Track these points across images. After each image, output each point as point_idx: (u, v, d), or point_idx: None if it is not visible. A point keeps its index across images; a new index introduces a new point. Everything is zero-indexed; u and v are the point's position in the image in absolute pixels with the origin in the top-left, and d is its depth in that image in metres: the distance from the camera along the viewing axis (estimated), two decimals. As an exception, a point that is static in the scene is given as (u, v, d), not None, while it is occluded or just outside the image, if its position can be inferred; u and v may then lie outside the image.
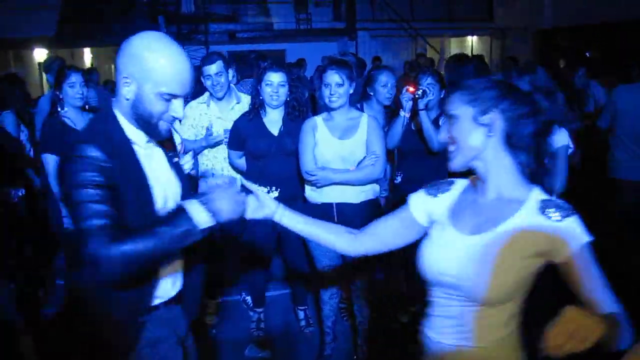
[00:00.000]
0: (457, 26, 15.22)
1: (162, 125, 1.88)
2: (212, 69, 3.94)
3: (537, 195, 1.65)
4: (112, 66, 18.73)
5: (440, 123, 3.70)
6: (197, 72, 4.00)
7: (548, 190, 1.84)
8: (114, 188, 1.73)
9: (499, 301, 1.61)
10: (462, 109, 1.70)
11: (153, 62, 1.80)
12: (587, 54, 10.00)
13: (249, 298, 4.27)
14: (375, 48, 13.73)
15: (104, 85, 11.53)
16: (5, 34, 12.81)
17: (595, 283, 1.57)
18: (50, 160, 3.85)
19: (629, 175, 4.74)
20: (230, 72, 4.07)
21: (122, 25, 13.46)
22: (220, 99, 4.05)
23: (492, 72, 9.39)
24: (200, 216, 1.72)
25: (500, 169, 1.68)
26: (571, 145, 3.27)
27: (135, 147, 1.88)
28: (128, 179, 1.79)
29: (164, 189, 1.95)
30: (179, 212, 1.72)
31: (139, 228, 1.70)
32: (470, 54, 15.47)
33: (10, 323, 3.87)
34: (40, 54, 14.81)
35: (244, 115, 3.81)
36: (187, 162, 2.43)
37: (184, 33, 13.04)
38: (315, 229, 2.08)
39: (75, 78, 3.81)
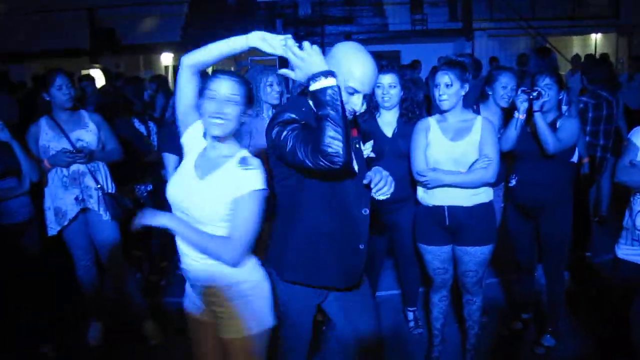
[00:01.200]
0: (580, 24, 14.50)
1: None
2: None
3: None
4: (232, 68, 19.54)
5: (557, 126, 3.59)
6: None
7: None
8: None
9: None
10: None
11: (347, 62, 2.27)
12: None
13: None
14: (493, 48, 13.39)
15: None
16: (137, 40, 13.73)
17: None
18: (170, 160, 4.13)
19: None
20: None
21: (241, 29, 14.00)
22: None
23: (617, 72, 8.93)
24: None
25: None
26: None
27: None
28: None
29: None
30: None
31: None
32: (594, 53, 14.81)
33: (136, 309, 4.17)
34: (166, 58, 15.71)
35: (359, 116, 3.88)
36: (366, 149, 2.70)
37: (300, 35, 13.36)
38: None
39: (61, 81, 3.80)
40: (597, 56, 12.72)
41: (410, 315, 4.25)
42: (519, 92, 3.58)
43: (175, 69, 12.45)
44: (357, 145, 2.47)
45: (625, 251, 3.14)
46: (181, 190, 2.33)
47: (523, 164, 3.71)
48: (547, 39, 13.97)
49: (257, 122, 4.09)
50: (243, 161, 2.25)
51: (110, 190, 3.98)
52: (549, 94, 3.54)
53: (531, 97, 3.50)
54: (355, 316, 2.63)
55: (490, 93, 4.00)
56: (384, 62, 3.92)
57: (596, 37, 15.75)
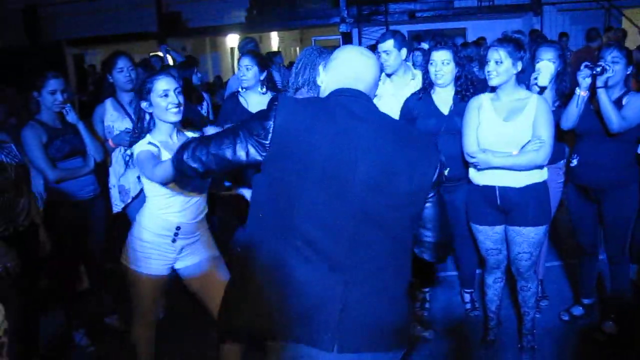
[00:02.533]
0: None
1: None
2: (383, 46, 4.08)
3: None
4: (297, 48, 19.63)
5: (623, 103, 3.42)
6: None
7: None
8: None
9: None
10: None
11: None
12: None
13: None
14: (563, 23, 12.87)
15: (287, 67, 12.12)
16: (202, 23, 13.97)
17: None
18: None
19: None
20: (404, 50, 4.10)
21: (306, 9, 14.04)
22: (389, 75, 4.12)
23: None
24: None
25: None
26: None
27: None
28: None
29: None
30: None
31: None
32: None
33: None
34: (232, 39, 15.93)
35: (414, 94, 3.84)
36: None
37: (364, 14, 13.25)
38: None
39: (122, 63, 3.94)
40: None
41: (467, 297, 4.20)
42: (582, 67, 3.41)
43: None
44: None
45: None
46: None
47: (585, 143, 3.57)
48: (623, 12, 13.31)
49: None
50: None
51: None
52: (613, 70, 3.37)
53: (595, 72, 3.34)
54: None
55: None
56: (438, 39, 3.86)
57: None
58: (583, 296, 4.00)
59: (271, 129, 1.83)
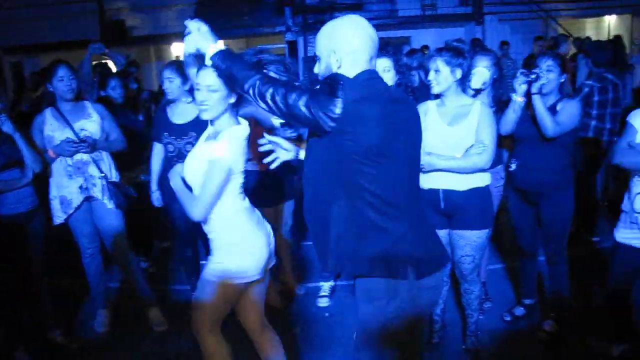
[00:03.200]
0: (594, 5, 14.27)
1: None
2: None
3: None
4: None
5: (558, 109, 3.55)
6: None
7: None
8: None
9: None
10: None
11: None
12: None
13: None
14: (504, 32, 13.24)
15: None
16: (147, 31, 13.80)
17: None
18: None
19: None
20: None
21: (251, 18, 14.03)
22: None
23: (631, 54, 8.81)
24: None
25: None
26: None
27: None
28: None
29: None
30: None
31: None
32: (607, 36, 14.60)
33: (141, 296, 4.24)
34: (177, 48, 15.76)
35: None
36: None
37: (310, 23, 13.32)
38: None
39: (63, 72, 3.84)
40: (611, 38, 12.57)
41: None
42: (518, 74, 3.54)
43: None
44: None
45: (624, 234, 3.13)
46: None
47: (523, 147, 3.69)
48: (559, 22, 13.81)
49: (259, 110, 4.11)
50: None
51: (114, 179, 4.05)
52: (548, 77, 3.50)
53: (529, 79, 3.47)
54: None
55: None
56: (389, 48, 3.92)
57: (610, 19, 15.52)
58: (524, 297, 4.12)
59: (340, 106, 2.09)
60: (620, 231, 3.16)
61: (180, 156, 3.87)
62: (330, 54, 2.23)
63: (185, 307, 4.44)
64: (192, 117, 4.01)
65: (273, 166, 2.71)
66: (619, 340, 3.45)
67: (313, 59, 2.43)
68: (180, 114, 4.10)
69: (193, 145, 3.62)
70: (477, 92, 3.79)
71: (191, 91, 3.90)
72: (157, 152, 4.26)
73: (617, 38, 10.88)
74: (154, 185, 4.35)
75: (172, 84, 4.04)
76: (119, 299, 4.42)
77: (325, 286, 4.51)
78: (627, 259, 3.18)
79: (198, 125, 3.72)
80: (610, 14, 15.25)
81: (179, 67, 3.98)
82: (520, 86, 3.49)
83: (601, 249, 5.17)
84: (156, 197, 4.38)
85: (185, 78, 3.95)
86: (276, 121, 4.17)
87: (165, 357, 3.88)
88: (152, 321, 4.20)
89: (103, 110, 4.11)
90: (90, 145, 3.88)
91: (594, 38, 12.20)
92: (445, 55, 3.21)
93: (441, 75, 3.22)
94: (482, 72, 3.76)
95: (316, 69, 2.35)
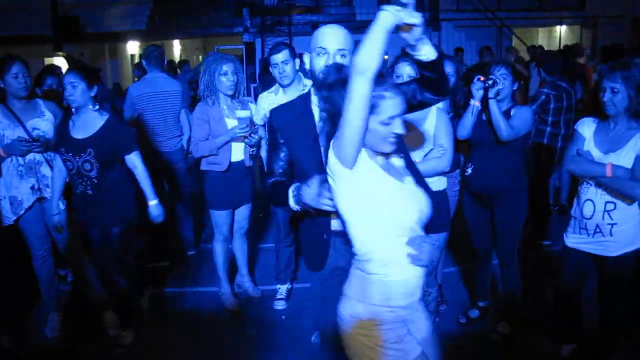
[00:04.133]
0: (546, 15, 14.68)
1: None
2: (279, 57, 4.06)
3: None
4: (200, 56, 19.38)
5: (511, 114, 3.64)
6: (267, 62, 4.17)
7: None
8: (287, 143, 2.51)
9: None
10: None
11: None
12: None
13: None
14: (459, 39, 13.48)
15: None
16: (102, 29, 13.51)
17: None
18: None
19: None
20: (297, 61, 4.13)
21: (209, 18, 13.90)
22: (286, 87, 4.14)
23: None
24: (292, 203, 2.34)
25: None
26: None
27: (314, 111, 2.47)
28: (300, 135, 2.47)
29: None
30: (282, 188, 2.40)
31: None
32: (558, 45, 15.01)
33: (95, 298, 4.15)
34: (132, 47, 15.50)
35: None
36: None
37: (267, 24, 13.29)
38: None
39: (17, 69, 3.73)
40: (561, 47, 12.93)
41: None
42: (475, 80, 3.63)
43: (141, 57, 12.27)
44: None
45: (573, 239, 3.21)
46: None
47: (478, 151, 3.76)
48: (513, 30, 14.13)
49: (214, 111, 4.08)
50: None
51: (66, 180, 3.91)
52: (503, 83, 3.60)
53: (487, 85, 3.55)
54: None
55: None
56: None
57: (561, 29, 15.97)
58: (478, 299, 4.18)
59: None
60: (570, 236, 3.24)
61: (80, 175, 3.58)
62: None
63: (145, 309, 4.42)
64: (93, 131, 3.59)
65: None
66: (569, 341, 3.54)
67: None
68: (83, 126, 3.61)
69: (91, 163, 3.52)
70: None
71: (96, 97, 3.66)
72: (59, 168, 3.76)
73: (567, 48, 11.20)
74: (54, 207, 3.79)
75: (75, 90, 3.54)
76: (71, 302, 4.30)
77: (282, 289, 4.49)
78: (576, 263, 3.26)
79: (96, 141, 3.54)
80: (560, 24, 15.71)
81: (82, 71, 3.62)
82: (478, 91, 3.57)
83: (552, 253, 5.29)
84: (57, 220, 3.84)
85: (90, 83, 3.59)
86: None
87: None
88: (107, 324, 4.10)
89: (56, 108, 4.02)
90: (44, 144, 3.78)
91: (545, 47, 12.53)
92: (412, 62, 3.25)
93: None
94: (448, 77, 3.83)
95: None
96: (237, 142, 4.09)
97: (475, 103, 3.61)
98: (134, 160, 3.72)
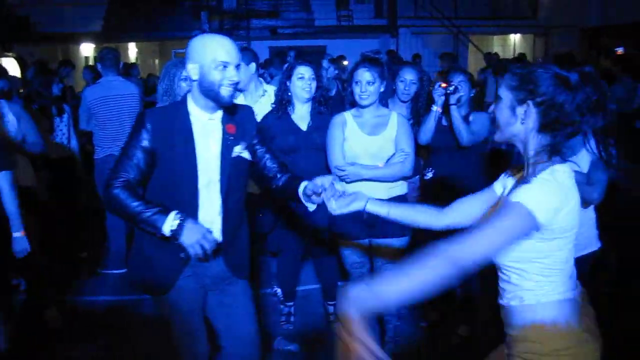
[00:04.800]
0: (500, 24, 15.02)
1: (224, 91, 2.36)
2: None
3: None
4: (157, 60, 19.11)
5: (470, 119, 3.71)
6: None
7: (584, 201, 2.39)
8: (154, 150, 2.35)
9: None
10: (505, 93, 1.83)
11: (207, 44, 2.36)
12: (620, 49, 9.73)
13: (279, 291, 4.31)
14: (417, 45, 13.64)
15: (145, 78, 11.77)
16: (54, 29, 13.17)
17: None
18: None
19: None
20: (253, 65, 4.08)
21: (166, 21, 13.73)
22: (241, 91, 4.10)
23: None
24: (166, 228, 2.24)
25: (533, 150, 1.83)
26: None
27: (193, 120, 2.43)
28: (173, 143, 2.38)
29: (208, 158, 2.45)
30: (162, 211, 2.26)
31: (137, 199, 2.27)
32: (512, 52, 15.35)
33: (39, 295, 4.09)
34: (87, 49, 15.17)
35: (271, 113, 3.84)
36: (241, 152, 2.58)
37: (226, 28, 13.21)
38: (401, 211, 2.30)
39: None
40: (515, 55, 13.21)
41: (331, 309, 4.26)
42: (437, 87, 3.68)
43: (96, 60, 12.02)
44: (228, 143, 2.50)
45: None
46: None
47: (438, 157, 3.81)
48: (469, 37, 14.37)
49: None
50: None
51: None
52: (463, 90, 3.66)
53: (448, 91, 3.61)
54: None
55: (395, 88, 4.08)
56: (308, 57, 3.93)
57: (515, 37, 16.33)
58: (439, 303, 4.21)
59: None
60: None
61: None
62: None
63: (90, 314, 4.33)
64: None
65: None
66: None
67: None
68: None
69: None
70: (403, 102, 3.90)
71: None
72: None
73: (522, 56, 11.45)
74: None
75: None
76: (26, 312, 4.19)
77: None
78: None
79: None
80: (515, 33, 16.07)
81: None
82: (439, 97, 3.63)
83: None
84: None
85: None
86: None
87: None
88: (48, 320, 4.07)
89: (20, 110, 3.95)
90: None
91: (500, 54, 12.78)
92: (378, 68, 3.25)
93: (374, 87, 3.25)
94: (410, 84, 3.95)
95: None
96: None
97: (437, 109, 3.66)
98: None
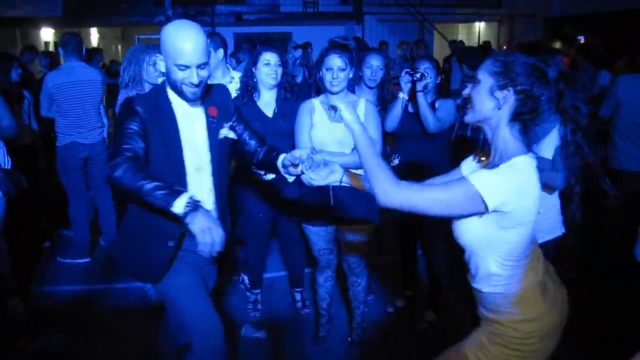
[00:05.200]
0: (465, 12, 15.14)
1: (186, 90, 2.35)
2: None
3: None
4: (119, 46, 18.78)
5: (436, 106, 3.73)
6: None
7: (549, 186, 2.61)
8: (146, 134, 2.31)
9: None
10: (486, 77, 1.88)
11: (169, 42, 2.30)
12: (581, 37, 9.91)
13: (246, 279, 4.30)
14: (382, 32, 13.66)
15: (108, 64, 11.56)
16: (13, 12, 12.79)
17: None
18: None
19: (633, 166, 4.67)
20: (220, 51, 4.04)
21: (128, 6, 13.45)
22: (208, 77, 4.04)
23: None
24: (177, 207, 2.09)
25: (502, 137, 1.90)
26: None
27: (175, 107, 2.41)
28: (160, 128, 2.35)
29: (196, 143, 2.45)
30: (172, 191, 2.12)
31: (145, 173, 2.16)
32: (477, 40, 15.49)
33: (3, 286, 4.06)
34: (47, 34, 14.81)
35: (236, 99, 3.81)
36: (227, 133, 2.58)
37: (190, 14, 13.00)
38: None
39: None
40: (480, 43, 13.34)
41: (298, 296, 4.27)
42: (403, 74, 3.69)
43: (56, 45, 11.73)
44: (213, 126, 2.50)
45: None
46: None
47: (405, 143, 3.82)
48: (434, 25, 14.45)
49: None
50: None
51: (5, 166, 3.94)
52: (430, 76, 3.67)
53: (414, 78, 3.62)
54: None
55: (361, 74, 4.08)
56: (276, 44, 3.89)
57: (480, 25, 16.48)
58: (404, 289, 4.26)
59: None
60: None
61: None
62: None
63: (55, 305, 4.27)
64: None
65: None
66: None
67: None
68: None
69: None
70: (370, 89, 3.90)
71: None
72: None
73: (487, 44, 11.57)
74: None
75: None
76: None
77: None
78: None
79: None
80: (480, 20, 16.22)
81: None
82: (406, 84, 3.63)
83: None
84: None
85: None
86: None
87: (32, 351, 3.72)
88: (12, 312, 4.01)
89: None
90: None
91: (466, 42, 12.88)
92: (348, 55, 3.24)
93: (344, 73, 3.23)
94: (377, 70, 3.94)
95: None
96: None
97: (404, 96, 3.67)
98: None
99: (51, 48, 13.74)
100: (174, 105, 2.43)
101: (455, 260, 4.52)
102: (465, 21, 16.50)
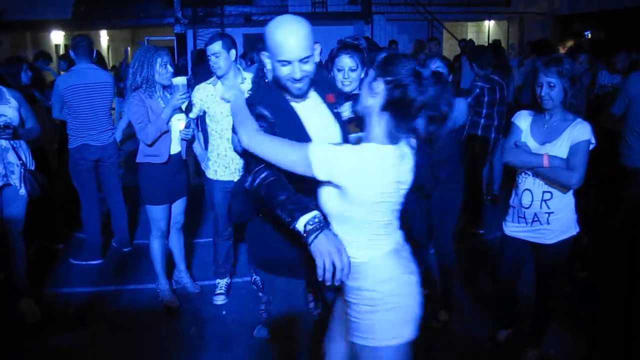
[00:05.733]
0: (474, 10, 15.08)
1: (290, 86, 2.28)
2: (211, 49, 3.96)
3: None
4: (129, 48, 18.86)
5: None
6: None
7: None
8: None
9: None
10: (371, 71, 2.05)
11: (270, 38, 2.23)
12: (588, 33, 9.85)
13: (258, 279, 4.30)
14: (391, 32, 13.64)
15: (118, 66, 11.61)
16: (23, 16, 12.87)
17: None
18: None
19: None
20: (233, 52, 4.05)
21: (137, 8, 13.50)
22: (220, 78, 4.06)
23: (508, 57, 9.33)
24: (300, 224, 2.00)
25: (371, 123, 2.06)
26: (593, 141, 3.04)
27: (293, 104, 2.35)
28: (287, 129, 2.24)
29: (323, 132, 2.37)
30: (301, 205, 2.03)
31: (283, 183, 2.13)
32: (487, 39, 15.44)
33: (17, 286, 4.11)
34: (57, 36, 14.89)
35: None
36: (345, 111, 2.59)
37: (199, 15, 13.05)
38: None
39: None
40: (490, 42, 13.29)
41: (310, 297, 4.26)
42: None
43: (67, 48, 11.78)
44: (336, 109, 2.50)
45: (512, 228, 3.30)
46: None
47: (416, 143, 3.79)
48: (443, 24, 14.41)
49: (152, 102, 3.96)
50: None
51: (30, 167, 4.04)
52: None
53: None
54: None
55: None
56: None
57: (489, 24, 16.43)
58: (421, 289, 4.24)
59: None
60: (509, 225, 3.33)
61: None
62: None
63: (67, 306, 4.32)
64: None
65: None
66: (505, 326, 3.64)
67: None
68: None
69: None
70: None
71: None
72: None
73: (497, 42, 11.53)
74: None
75: None
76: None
77: (222, 283, 4.42)
78: (514, 251, 3.35)
79: None
80: (489, 19, 16.16)
81: None
82: None
83: (487, 241, 5.43)
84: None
85: None
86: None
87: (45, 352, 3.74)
88: (24, 313, 4.05)
89: (20, 96, 4.04)
90: (13, 131, 3.83)
91: (475, 41, 12.84)
92: (360, 54, 3.23)
93: (355, 73, 3.22)
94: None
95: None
96: (177, 113, 4.03)
97: None
98: None
99: (61, 51, 13.82)
100: (292, 103, 2.35)
101: (468, 260, 4.54)
102: (474, 20, 16.44)
